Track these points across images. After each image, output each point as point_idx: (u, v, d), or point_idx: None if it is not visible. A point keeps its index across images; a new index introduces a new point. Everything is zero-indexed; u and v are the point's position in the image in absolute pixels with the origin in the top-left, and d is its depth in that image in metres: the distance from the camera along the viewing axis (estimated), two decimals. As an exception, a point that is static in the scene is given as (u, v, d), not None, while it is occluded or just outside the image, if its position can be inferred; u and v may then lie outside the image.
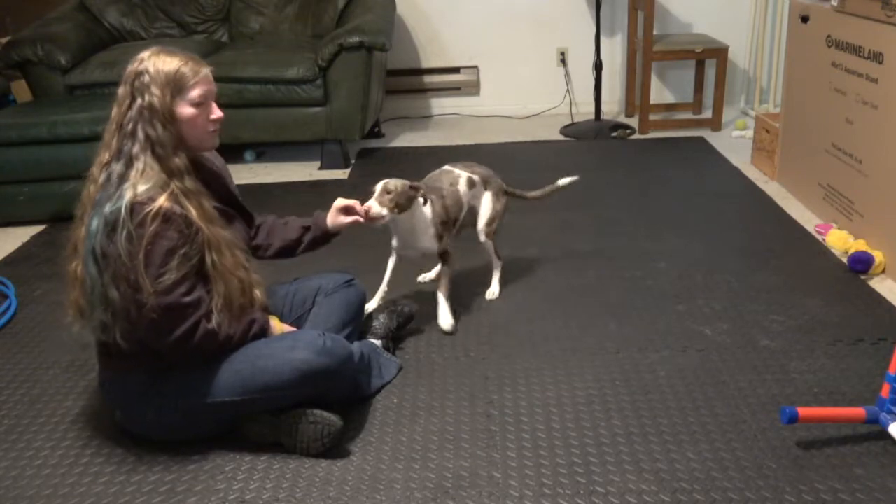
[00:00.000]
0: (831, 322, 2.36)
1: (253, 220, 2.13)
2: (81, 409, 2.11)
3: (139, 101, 1.73)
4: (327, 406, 1.87)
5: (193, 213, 1.75)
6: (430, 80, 4.87)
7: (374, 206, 2.14)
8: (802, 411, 1.80)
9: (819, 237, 2.94)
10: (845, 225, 2.91)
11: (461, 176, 2.44)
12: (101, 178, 1.75)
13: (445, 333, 2.38)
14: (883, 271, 2.66)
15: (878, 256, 2.63)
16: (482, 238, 2.53)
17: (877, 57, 2.66)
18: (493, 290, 2.61)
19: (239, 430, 1.90)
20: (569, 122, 4.65)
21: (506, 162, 3.73)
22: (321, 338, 1.86)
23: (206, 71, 1.81)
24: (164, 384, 1.84)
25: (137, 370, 1.84)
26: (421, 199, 2.25)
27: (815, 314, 2.41)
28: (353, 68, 3.84)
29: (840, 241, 2.81)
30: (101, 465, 1.88)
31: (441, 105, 4.94)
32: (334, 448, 1.87)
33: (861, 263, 2.63)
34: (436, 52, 4.83)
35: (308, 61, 3.84)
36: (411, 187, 2.21)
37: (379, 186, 2.18)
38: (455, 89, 4.90)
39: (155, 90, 1.73)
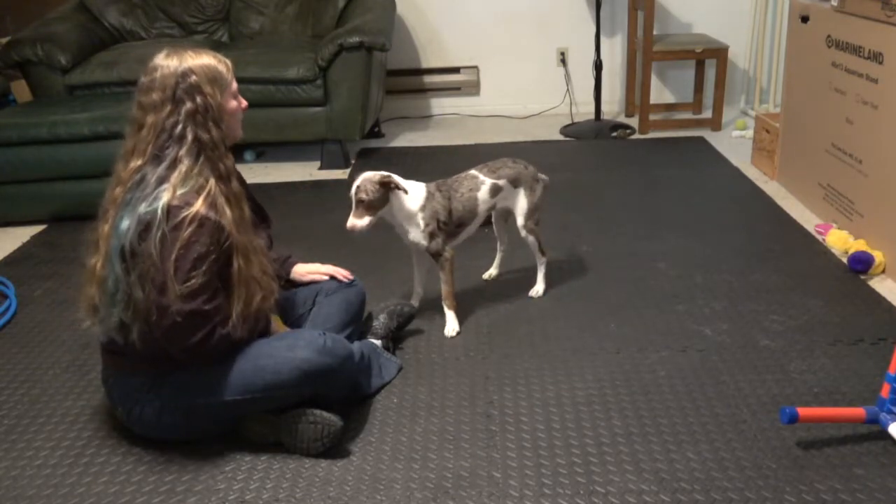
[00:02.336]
0: (831, 322, 2.36)
1: (269, 219, 2.14)
2: (81, 409, 2.11)
3: (188, 104, 1.73)
4: (327, 406, 1.87)
5: (229, 217, 1.75)
6: (430, 80, 4.87)
7: (356, 222, 2.18)
8: (802, 411, 1.80)
9: (819, 237, 2.94)
10: (845, 225, 2.91)
11: (485, 183, 2.40)
12: (133, 179, 1.73)
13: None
14: (883, 271, 2.66)
15: (878, 256, 2.63)
16: (523, 234, 2.51)
17: (877, 57, 2.66)
18: (538, 289, 2.60)
19: (239, 430, 1.91)
20: (569, 122, 4.65)
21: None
22: (321, 337, 1.86)
23: (227, 61, 1.85)
24: (165, 384, 1.83)
25: (141, 370, 1.85)
26: (393, 187, 2.20)
27: (815, 314, 2.41)
28: (353, 68, 3.84)
29: (840, 241, 2.81)
30: (101, 465, 1.88)
31: (441, 105, 4.94)
32: (334, 448, 1.87)
33: (861, 263, 2.63)
34: (436, 52, 4.83)
35: (308, 61, 3.84)
36: (381, 183, 2.18)
37: (353, 197, 2.18)
38: (455, 89, 4.90)
39: (207, 89, 1.74)
